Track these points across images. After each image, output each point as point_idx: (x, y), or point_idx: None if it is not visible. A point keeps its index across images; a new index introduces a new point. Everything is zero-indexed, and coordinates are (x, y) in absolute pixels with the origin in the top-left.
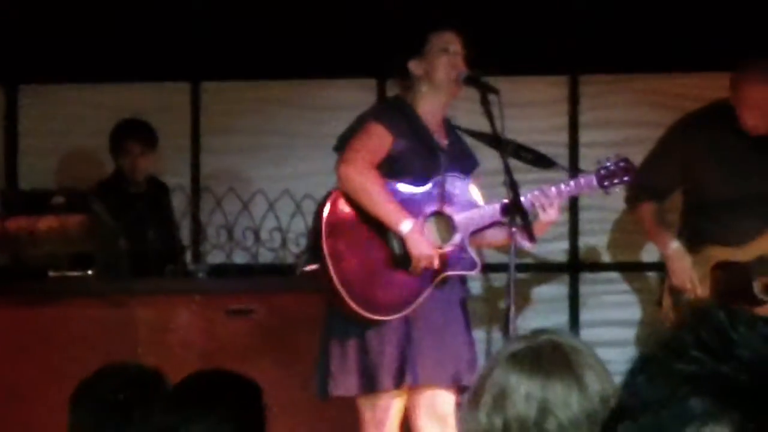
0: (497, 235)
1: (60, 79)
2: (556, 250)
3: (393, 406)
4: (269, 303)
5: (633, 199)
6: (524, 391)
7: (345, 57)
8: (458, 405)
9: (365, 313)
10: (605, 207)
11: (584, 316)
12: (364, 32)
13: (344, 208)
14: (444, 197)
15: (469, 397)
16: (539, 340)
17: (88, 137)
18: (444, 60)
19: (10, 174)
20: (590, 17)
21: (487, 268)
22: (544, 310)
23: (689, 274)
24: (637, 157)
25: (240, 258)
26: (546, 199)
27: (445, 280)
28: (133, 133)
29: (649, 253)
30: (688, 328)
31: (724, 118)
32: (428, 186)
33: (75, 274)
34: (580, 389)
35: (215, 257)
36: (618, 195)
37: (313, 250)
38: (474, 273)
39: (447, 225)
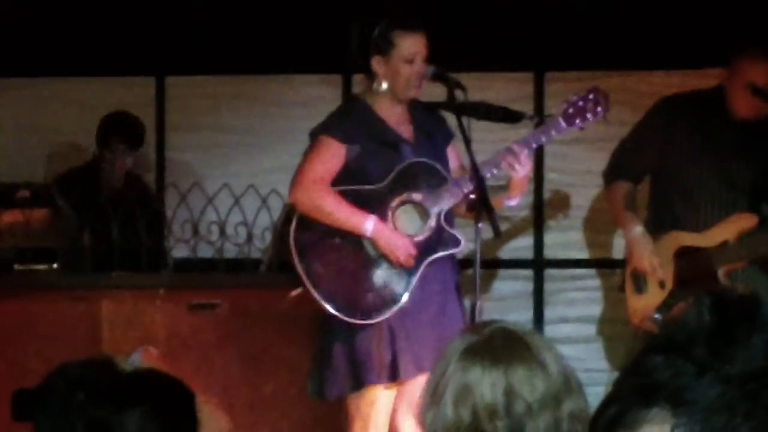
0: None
1: (24, 73)
2: (521, 246)
3: (379, 399)
4: (233, 298)
5: (609, 177)
6: (489, 381)
7: (310, 53)
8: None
9: (359, 321)
10: (571, 204)
11: (548, 312)
12: (330, 28)
13: (307, 228)
14: (408, 185)
15: (428, 396)
16: (489, 331)
17: (52, 131)
18: (407, 71)
19: None
20: (557, 14)
21: None
22: (508, 307)
23: (649, 258)
24: (603, 154)
25: (205, 253)
26: (513, 156)
27: (434, 265)
28: (121, 131)
29: (615, 250)
30: (708, 313)
31: (709, 104)
32: (389, 179)
33: (39, 267)
34: (542, 370)
35: (180, 252)
36: (584, 191)
37: (295, 273)
38: (459, 250)
39: (422, 210)
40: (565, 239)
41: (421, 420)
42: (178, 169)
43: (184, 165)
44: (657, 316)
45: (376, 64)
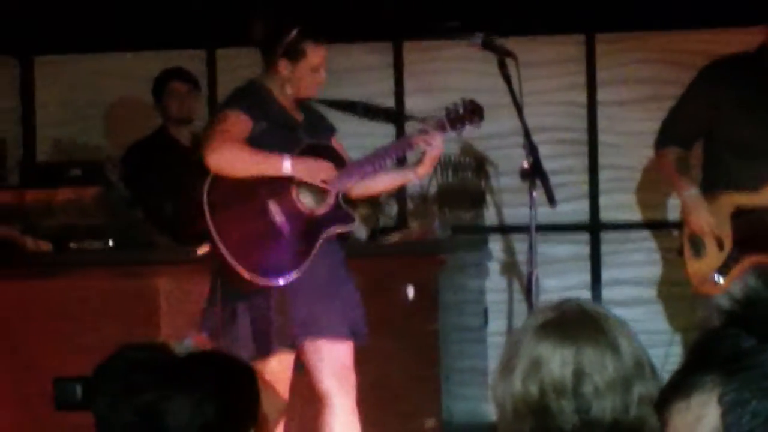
0: (384, 181)
1: (75, 49)
2: (577, 210)
3: (281, 364)
4: None
5: (659, 143)
6: (559, 359)
7: (360, 20)
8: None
9: (259, 280)
10: (625, 166)
11: (605, 275)
12: None
13: (220, 188)
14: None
15: (500, 367)
16: (565, 308)
17: (105, 107)
18: (311, 79)
19: (28, 146)
20: None
21: (508, 230)
22: (565, 271)
23: (706, 220)
24: (654, 114)
25: None
26: (425, 134)
27: (327, 240)
28: (177, 74)
29: (670, 211)
30: None
31: (753, 65)
32: (294, 155)
33: (93, 245)
34: (613, 352)
35: None
36: (636, 152)
37: (203, 232)
38: (352, 227)
39: (319, 188)
40: (619, 201)
41: (493, 391)
42: None
43: None
44: (717, 277)
45: (283, 66)
